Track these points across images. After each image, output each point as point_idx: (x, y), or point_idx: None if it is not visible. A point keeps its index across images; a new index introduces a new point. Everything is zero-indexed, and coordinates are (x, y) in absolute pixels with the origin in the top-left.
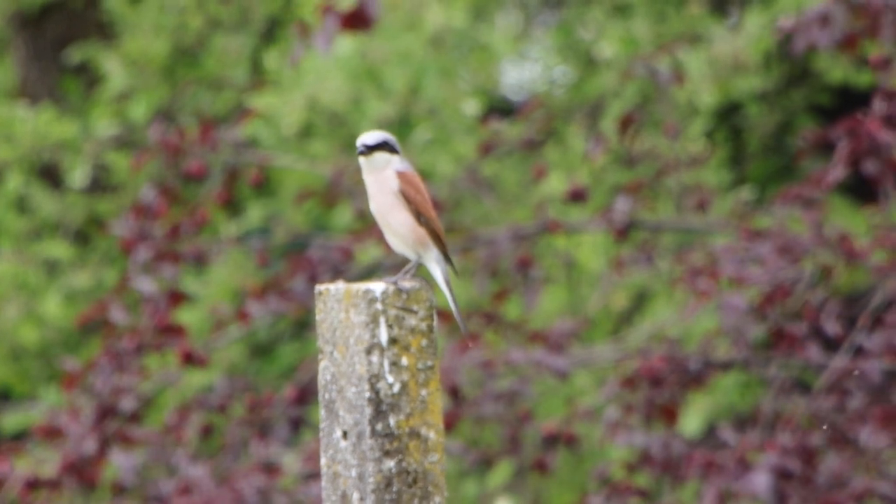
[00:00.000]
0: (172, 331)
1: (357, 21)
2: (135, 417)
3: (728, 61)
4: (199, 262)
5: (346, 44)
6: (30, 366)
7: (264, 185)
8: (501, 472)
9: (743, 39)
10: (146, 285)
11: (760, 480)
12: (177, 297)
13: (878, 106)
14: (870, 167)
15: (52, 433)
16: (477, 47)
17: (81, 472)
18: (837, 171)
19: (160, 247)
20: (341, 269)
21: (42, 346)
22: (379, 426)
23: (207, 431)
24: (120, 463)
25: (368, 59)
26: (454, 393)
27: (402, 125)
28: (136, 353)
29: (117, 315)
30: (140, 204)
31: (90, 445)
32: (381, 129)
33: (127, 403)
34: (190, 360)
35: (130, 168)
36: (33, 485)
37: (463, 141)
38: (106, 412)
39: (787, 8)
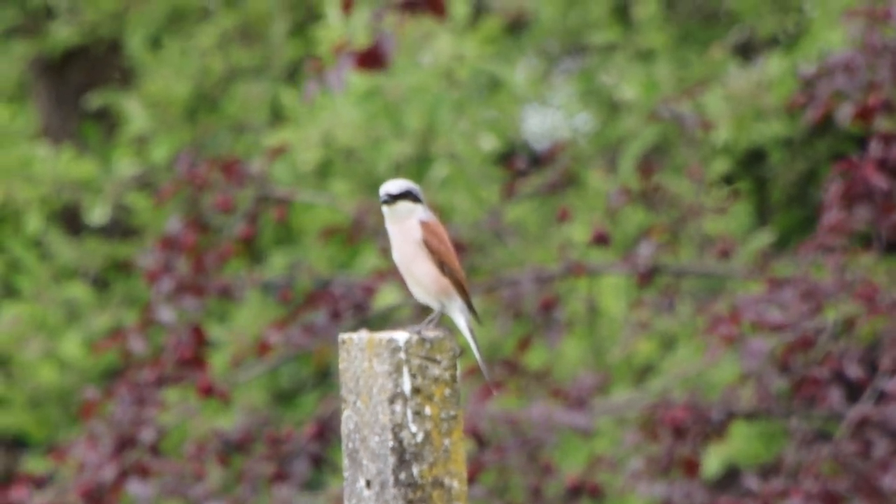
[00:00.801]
0: (195, 363)
1: (371, 60)
2: (153, 449)
3: (744, 97)
4: (223, 296)
5: (361, 80)
6: (50, 412)
7: (286, 232)
8: None
9: (758, 75)
10: (168, 316)
11: None
12: (200, 332)
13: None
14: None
15: (69, 460)
16: (493, 83)
17: (99, 501)
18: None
19: (184, 279)
20: (363, 305)
21: (62, 392)
22: (402, 475)
23: (225, 464)
24: (136, 492)
25: (384, 95)
26: (478, 438)
27: (419, 162)
28: (156, 385)
29: (136, 345)
30: (166, 236)
31: (108, 473)
32: (398, 166)
33: (146, 435)
34: (211, 393)
35: (155, 202)
36: None
37: (482, 181)
38: (125, 443)
39: (808, 55)
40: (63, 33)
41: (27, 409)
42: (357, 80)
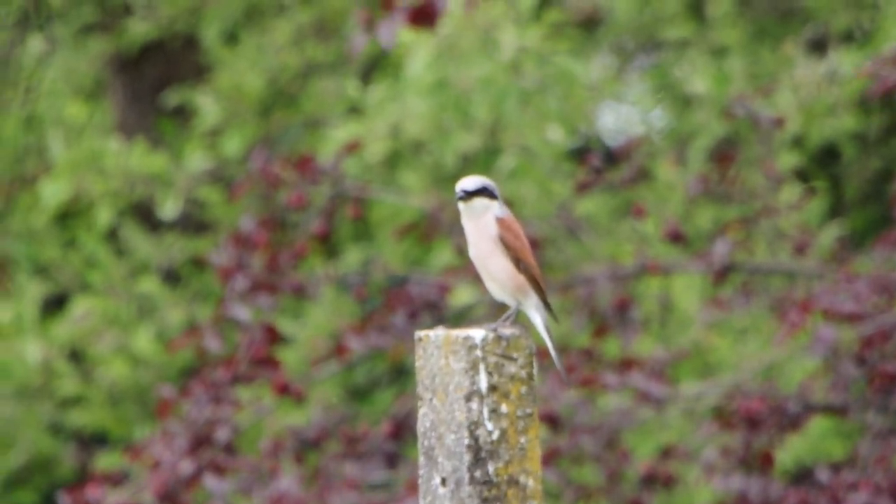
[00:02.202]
0: (269, 362)
1: (423, 17)
2: (229, 448)
3: (812, 88)
4: (298, 294)
5: (429, 72)
6: (128, 410)
7: (361, 228)
8: None
9: (826, 67)
10: (242, 314)
11: None
12: (273, 331)
13: None
14: None
15: (145, 458)
16: (566, 78)
17: (175, 499)
18: None
19: (258, 277)
20: (439, 305)
21: (139, 389)
22: (478, 473)
23: (301, 461)
24: (212, 487)
25: (452, 87)
26: (552, 421)
27: (487, 153)
28: (231, 384)
29: (212, 343)
30: (239, 233)
31: (185, 468)
32: (466, 158)
33: (222, 434)
34: (286, 392)
35: (228, 199)
36: None
37: (553, 174)
38: (200, 442)
39: (882, 50)
40: (140, 29)
41: (105, 406)
42: (425, 71)
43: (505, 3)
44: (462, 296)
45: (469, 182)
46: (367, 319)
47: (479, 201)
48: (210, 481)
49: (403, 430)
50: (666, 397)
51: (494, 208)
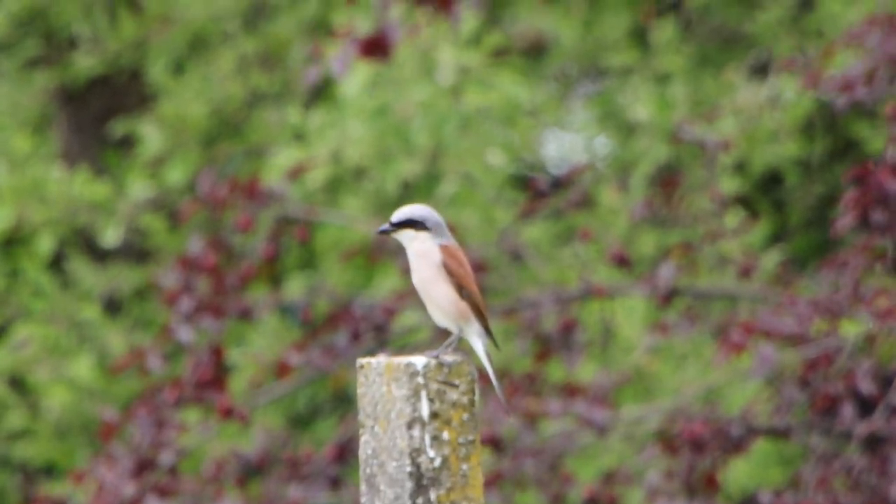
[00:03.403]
0: (214, 385)
1: (375, 48)
2: (173, 471)
3: (754, 112)
4: (243, 317)
5: (370, 99)
6: (74, 442)
7: (305, 257)
8: None
9: (768, 91)
10: (186, 335)
11: None
12: (220, 353)
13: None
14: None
15: (88, 482)
16: (504, 101)
17: None
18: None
19: (204, 299)
20: (384, 327)
21: (84, 421)
22: (420, 501)
23: (243, 484)
24: None
25: (393, 113)
26: (495, 444)
27: (429, 179)
28: (175, 407)
29: (154, 363)
30: (186, 256)
31: (128, 491)
32: (406, 184)
33: (166, 458)
34: (230, 414)
35: (173, 225)
36: None
37: (496, 201)
38: (144, 465)
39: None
40: (86, 63)
41: (52, 439)
42: (364, 95)
43: (446, 25)
44: (407, 319)
45: (397, 214)
46: (310, 336)
47: (405, 233)
48: (152, 503)
49: (346, 453)
50: (608, 422)
51: (422, 238)
